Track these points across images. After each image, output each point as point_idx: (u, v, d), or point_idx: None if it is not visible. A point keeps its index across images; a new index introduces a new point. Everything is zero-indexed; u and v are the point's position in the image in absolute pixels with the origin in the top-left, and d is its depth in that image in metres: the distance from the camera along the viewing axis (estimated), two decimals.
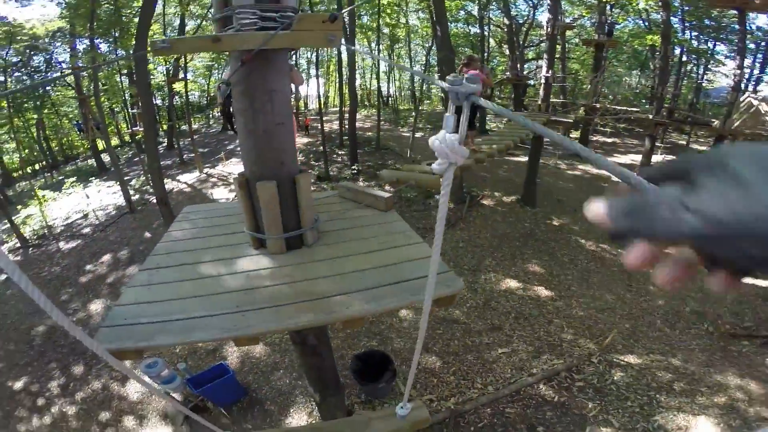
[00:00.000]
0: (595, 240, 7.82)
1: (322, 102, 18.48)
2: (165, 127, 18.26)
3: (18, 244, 9.41)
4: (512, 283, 6.47)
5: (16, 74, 16.68)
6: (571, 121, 9.84)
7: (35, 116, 19.22)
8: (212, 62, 21.79)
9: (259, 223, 1.97)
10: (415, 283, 1.77)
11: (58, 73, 17.68)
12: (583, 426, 3.99)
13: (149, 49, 1.60)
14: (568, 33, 17.18)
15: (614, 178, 0.38)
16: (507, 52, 17.82)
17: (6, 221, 9.55)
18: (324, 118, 13.03)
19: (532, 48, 21.20)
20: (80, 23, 12.58)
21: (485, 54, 18.75)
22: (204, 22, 17.82)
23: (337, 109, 17.83)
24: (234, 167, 13.14)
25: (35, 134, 20.74)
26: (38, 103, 18.63)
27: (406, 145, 15.31)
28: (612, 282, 6.45)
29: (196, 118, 24.49)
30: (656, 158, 11.99)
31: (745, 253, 0.23)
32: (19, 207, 12.12)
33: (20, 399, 5.04)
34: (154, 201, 7.78)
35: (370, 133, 17.00)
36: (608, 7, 14.02)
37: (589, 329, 5.35)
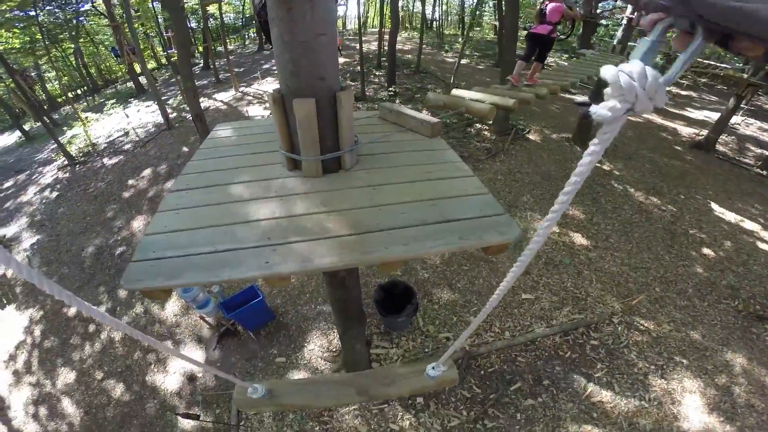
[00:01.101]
0: (644, 191, 7.23)
1: (362, 22, 17.18)
2: (201, 48, 17.97)
3: (66, 162, 9.85)
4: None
5: (48, 7, 16.35)
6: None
7: (72, 45, 19.25)
8: None
9: (295, 143, 1.77)
10: (463, 225, 1.55)
11: (88, 5, 17.24)
12: (585, 387, 3.97)
13: None
14: None
15: None
16: None
17: (53, 142, 9.90)
18: (362, 38, 12.20)
19: None
20: None
21: None
22: None
23: (377, 30, 16.56)
24: (269, 86, 12.90)
25: (74, 62, 20.98)
26: (73, 33, 18.52)
27: (449, 71, 14.24)
28: (653, 240, 6.00)
29: (231, 39, 23.82)
30: (737, 119, 10.55)
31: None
32: (64, 129, 12.60)
33: (74, 326, 5.36)
34: (191, 118, 7.75)
35: (409, 56, 15.92)
36: None
37: (618, 287, 5.10)
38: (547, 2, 4.13)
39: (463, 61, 13.25)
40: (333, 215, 1.61)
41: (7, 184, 10.09)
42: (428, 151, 2.11)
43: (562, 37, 4.92)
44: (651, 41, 0.48)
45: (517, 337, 4.42)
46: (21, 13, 14.83)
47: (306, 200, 1.71)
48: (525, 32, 4.86)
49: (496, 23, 19.42)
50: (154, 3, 17.34)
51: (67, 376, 4.73)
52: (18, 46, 16.05)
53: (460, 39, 22.55)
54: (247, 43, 24.59)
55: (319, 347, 4.53)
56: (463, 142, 8.67)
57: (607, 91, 0.47)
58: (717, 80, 14.64)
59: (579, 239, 5.93)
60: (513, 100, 2.98)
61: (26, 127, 14.66)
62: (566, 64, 6.19)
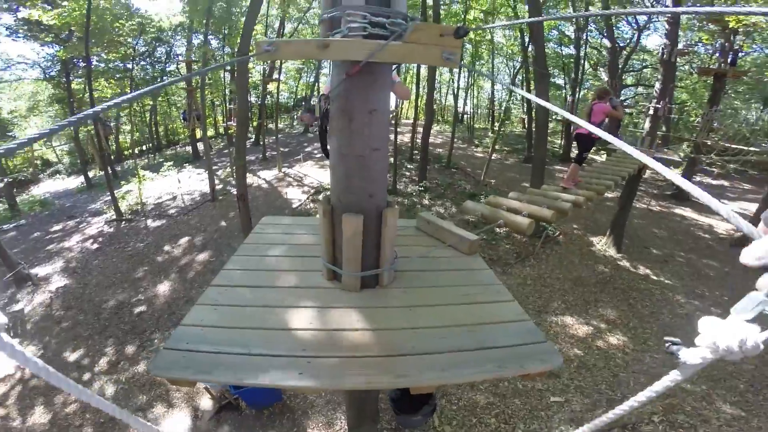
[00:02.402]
0: (684, 294, 6.85)
1: (397, 114, 18.67)
2: (255, 123, 19.56)
3: (114, 217, 10.51)
4: (580, 331, 5.84)
5: (142, 63, 18.98)
6: (680, 159, 8.68)
7: (151, 102, 21.67)
8: (303, 65, 22.87)
9: (337, 256, 1.81)
10: (502, 353, 1.50)
11: (175, 66, 19.87)
12: None
13: (252, 50, 1.52)
14: (678, 60, 15.41)
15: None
16: (603, 76, 16.44)
17: (109, 195, 10.69)
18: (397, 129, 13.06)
19: (632, 73, 19.44)
20: (198, 19, 14.00)
21: (580, 76, 17.53)
22: (300, 25, 18.84)
23: (410, 122, 17.75)
24: (309, 169, 13.59)
25: (148, 119, 23.46)
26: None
27: (478, 166, 14.77)
28: None
29: (282, 118, 26.04)
30: None
31: None
32: (122, 183, 13.67)
33: (69, 370, 5.31)
34: (235, 193, 8.26)
35: (440, 150, 16.70)
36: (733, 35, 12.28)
37: None
38: (595, 102, 4.28)
39: (493, 156, 13.76)
40: (368, 333, 1.59)
41: (55, 228, 10.80)
42: (466, 271, 2.09)
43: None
44: (764, 300, 0.47)
45: None
46: (121, 65, 17.11)
47: (342, 315, 1.70)
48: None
49: (525, 116, 20.51)
50: (225, 73, 19.57)
51: (41, 417, 4.58)
52: (109, 96, 18.07)
53: (490, 133, 23.51)
54: (295, 123, 26.80)
55: None
56: (492, 244, 8.61)
57: (701, 340, 0.46)
58: (748, 166, 14.16)
59: (614, 342, 5.60)
60: (551, 212, 2.97)
61: (91, 174, 16.01)
62: (599, 161, 6.29)
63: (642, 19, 15.76)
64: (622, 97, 17.75)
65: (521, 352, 1.51)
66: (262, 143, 16.51)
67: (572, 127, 4.81)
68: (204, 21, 13.18)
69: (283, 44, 1.48)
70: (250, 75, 19.45)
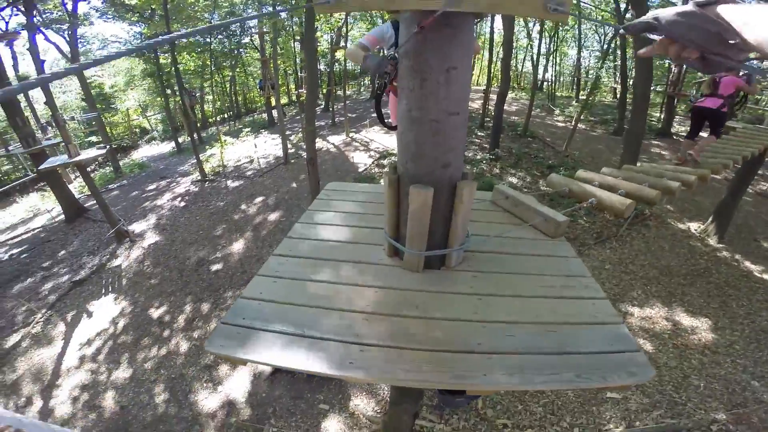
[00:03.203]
0: None
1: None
2: (324, 90, 19.96)
3: (199, 177, 11.45)
4: (658, 325, 5.21)
5: (219, 36, 20.09)
6: None
7: (230, 73, 23.22)
8: (368, 30, 22.59)
9: (401, 231, 1.64)
10: (584, 360, 1.26)
11: (248, 39, 20.67)
12: None
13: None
14: None
15: None
16: None
17: (195, 158, 11.65)
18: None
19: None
20: None
21: None
22: None
23: (481, 88, 16.60)
24: (375, 134, 13.53)
25: (228, 88, 25.14)
26: (233, 62, 22.30)
27: (559, 136, 13.48)
28: None
29: (350, 84, 26.23)
30: None
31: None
32: (207, 147, 14.82)
33: (152, 328, 5.83)
34: (305, 157, 8.49)
35: (515, 118, 15.49)
36: None
37: (731, 395, 4.13)
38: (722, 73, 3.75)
39: (578, 127, 12.40)
40: (428, 323, 1.42)
41: (150, 187, 12.12)
42: (550, 258, 1.80)
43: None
44: None
45: None
46: (201, 40, 18.39)
47: (401, 299, 1.54)
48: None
49: (616, 86, 18.03)
50: (295, 42, 19.84)
51: (124, 371, 5.12)
52: (192, 69, 19.85)
53: (574, 102, 21.42)
54: (362, 89, 26.75)
55: (365, 404, 4.32)
56: (570, 221, 7.82)
57: None
58: None
59: (694, 342, 4.95)
60: (655, 192, 2.46)
61: (180, 139, 17.66)
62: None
63: None
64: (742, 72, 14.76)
65: (606, 360, 1.27)
66: (331, 109, 16.81)
67: (692, 99, 4.13)
68: None
69: None
70: (318, 44, 19.58)
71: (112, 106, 22.86)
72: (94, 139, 19.11)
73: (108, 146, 9.61)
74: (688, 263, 6.61)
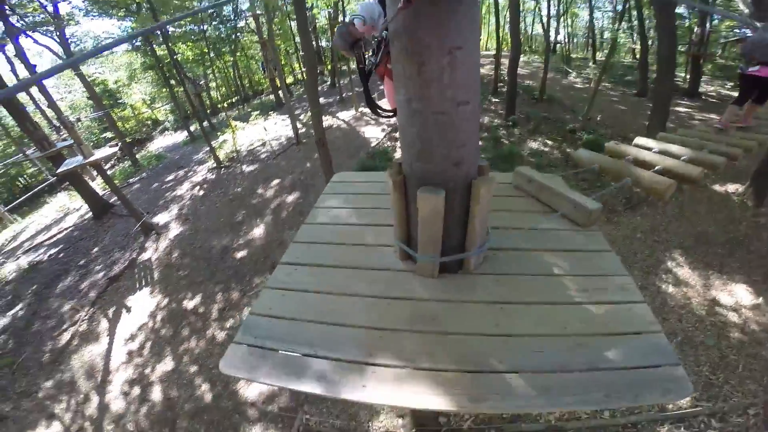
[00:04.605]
0: None
1: None
2: (329, 67, 19.46)
3: (214, 165, 11.49)
4: (694, 300, 4.88)
5: (213, 23, 19.62)
6: None
7: (231, 59, 22.81)
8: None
9: (413, 234, 1.48)
10: (615, 376, 1.13)
11: (243, 22, 20.08)
12: None
13: None
14: None
15: None
16: (740, 5, 12.42)
17: (209, 146, 11.65)
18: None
19: None
20: None
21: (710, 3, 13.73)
22: None
23: (491, 53, 15.80)
24: (384, 105, 13.12)
25: (232, 73, 24.84)
26: (232, 47, 21.87)
27: (578, 98, 12.77)
28: None
29: (353, 60, 25.34)
30: None
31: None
32: (218, 134, 14.77)
33: (189, 319, 5.97)
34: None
35: (529, 82, 14.70)
36: None
37: None
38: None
39: (602, 87, 11.69)
40: (446, 339, 1.29)
41: (169, 177, 12.27)
42: (581, 253, 1.61)
43: None
44: None
45: (617, 417, 3.61)
46: (195, 28, 18.05)
47: (417, 311, 1.41)
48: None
49: (635, 46, 16.94)
50: (292, 22, 19.26)
51: (167, 364, 5.28)
52: (191, 57, 19.61)
53: (591, 63, 20.25)
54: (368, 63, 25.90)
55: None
56: (596, 185, 7.43)
57: None
58: None
59: (734, 319, 4.62)
60: (699, 169, 2.16)
61: (192, 128, 17.62)
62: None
63: None
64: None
65: (640, 377, 1.14)
66: (337, 85, 16.39)
67: (741, 67, 3.81)
68: None
69: None
70: (317, 20, 18.73)
71: (120, 101, 22.95)
72: (109, 135, 19.32)
73: (119, 144, 9.69)
74: (727, 230, 6.16)
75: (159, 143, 20.03)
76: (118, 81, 22.86)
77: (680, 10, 16.54)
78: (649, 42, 14.30)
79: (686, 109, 12.03)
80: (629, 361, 1.18)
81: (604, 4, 21.96)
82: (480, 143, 9.72)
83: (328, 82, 19.17)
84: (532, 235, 1.69)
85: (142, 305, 6.53)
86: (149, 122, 24.99)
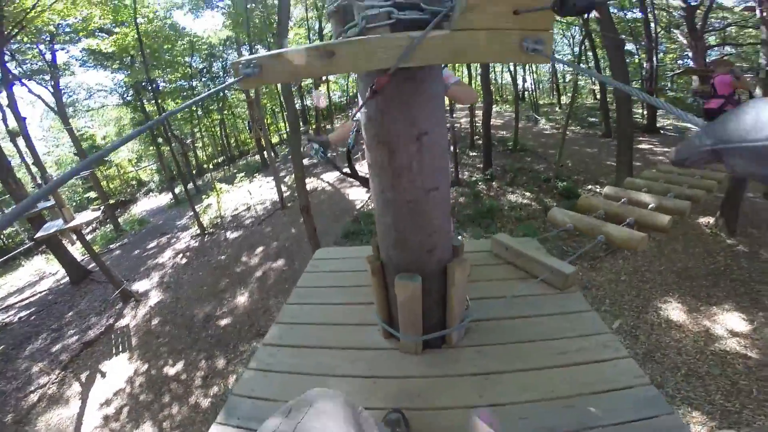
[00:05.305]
0: None
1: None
2: (313, 126, 20.01)
3: (198, 231, 11.39)
4: (689, 334, 4.92)
5: (203, 79, 20.32)
6: None
7: (218, 117, 23.19)
8: None
9: (394, 315, 1.51)
10: None
11: (233, 78, 20.98)
12: None
13: (234, 77, 1.04)
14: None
15: None
16: (680, 38, 14.03)
17: (193, 211, 11.57)
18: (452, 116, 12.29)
19: (713, 33, 16.33)
20: (240, 31, 14.51)
21: (654, 40, 15.19)
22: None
23: (464, 106, 16.75)
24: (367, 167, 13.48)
25: (219, 132, 25.27)
26: (220, 105, 22.52)
27: (549, 145, 13.42)
28: None
29: (337, 118, 26.44)
30: None
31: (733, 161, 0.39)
32: (203, 197, 14.83)
33: (169, 386, 5.72)
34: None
35: (504, 132, 15.50)
36: None
37: None
38: (715, 75, 3.89)
39: (569, 133, 12.40)
40: (431, 415, 1.29)
41: (151, 244, 12.06)
42: (561, 316, 1.66)
43: None
44: None
45: None
46: (185, 84, 18.61)
47: (401, 389, 1.41)
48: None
49: (595, 87, 18.16)
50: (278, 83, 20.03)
51: (145, 430, 4.99)
52: (179, 115, 19.27)
53: (557, 108, 21.55)
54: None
55: None
56: (575, 234, 7.62)
57: None
58: None
59: (733, 346, 4.65)
60: (667, 218, 2.27)
61: (177, 190, 17.56)
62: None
63: None
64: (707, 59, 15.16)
65: (635, 430, 1.15)
66: None
67: (700, 101, 4.28)
68: (247, 33, 13.63)
69: (269, 61, 0.98)
70: (302, 80, 19.63)
71: (106, 159, 22.82)
72: (93, 194, 18.93)
73: (102, 207, 9.61)
74: (706, 263, 6.36)
75: (143, 205, 19.89)
76: (107, 136, 22.70)
77: (629, 46, 18.27)
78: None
79: (648, 146, 12.74)
80: (621, 416, 1.18)
81: (562, 47, 23.62)
82: (461, 201, 9.98)
83: None
84: (512, 303, 1.73)
85: (119, 371, 6.26)
86: (134, 182, 24.86)
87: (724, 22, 15.32)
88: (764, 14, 6.87)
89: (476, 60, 0.95)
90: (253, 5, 14.30)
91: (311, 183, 12.73)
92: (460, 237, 2.23)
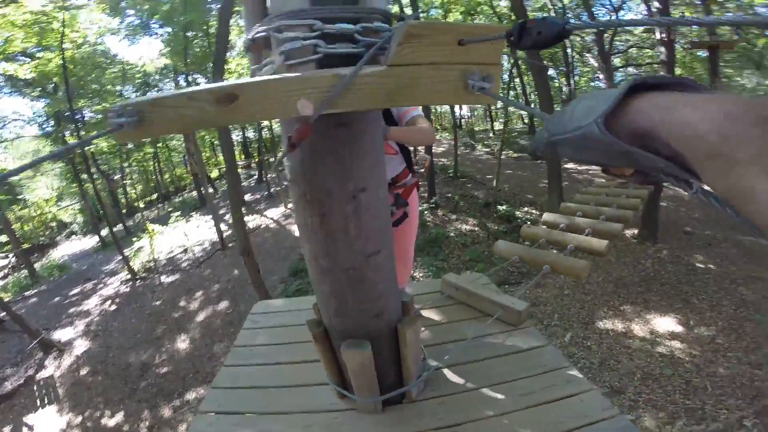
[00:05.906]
0: (743, 280, 6.20)
1: None
2: (256, 159, 19.15)
3: (128, 276, 10.39)
4: (636, 338, 5.30)
5: None
6: None
7: (151, 150, 20.77)
8: None
9: (346, 378, 1.38)
10: None
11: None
12: None
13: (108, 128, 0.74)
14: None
15: None
16: (591, 61, 15.87)
17: (122, 256, 10.58)
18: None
19: (619, 55, 18.78)
20: (178, 60, 14.00)
21: (571, 64, 16.90)
22: None
23: None
24: None
25: (152, 167, 23.22)
26: (151, 138, 20.83)
27: (486, 171, 14.13)
28: None
29: (283, 151, 25.68)
30: None
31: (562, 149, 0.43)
32: (134, 239, 13.54)
33: None
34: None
35: (444, 160, 16.10)
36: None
37: (742, 388, 4.20)
38: None
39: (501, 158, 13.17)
40: None
41: (74, 291, 10.82)
42: (520, 354, 1.64)
43: None
44: None
45: None
46: None
47: None
48: None
49: (523, 113, 19.62)
50: None
51: None
52: (105, 149, 17.19)
53: (491, 134, 22.70)
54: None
55: None
56: (521, 273, 7.71)
57: None
58: None
59: (677, 346, 5.07)
60: (604, 243, 2.38)
61: (104, 232, 15.79)
62: None
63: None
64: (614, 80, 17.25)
65: None
66: (265, 179, 16.16)
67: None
68: (185, 61, 13.20)
69: (151, 108, 0.71)
70: None
71: (20, 197, 19.64)
72: (3, 238, 16.20)
73: (12, 254, 8.56)
74: (637, 270, 6.98)
75: (64, 249, 17.86)
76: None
77: (550, 72, 20.17)
78: (534, 106, 16.75)
79: (573, 165, 13.93)
80: None
81: None
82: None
83: (256, 176, 18.70)
84: (469, 346, 1.68)
85: (49, 423, 5.77)
86: (54, 224, 22.08)
87: (627, 43, 17.47)
88: (663, 36, 7.93)
89: (416, 102, 0.79)
90: (194, 32, 13.85)
91: (254, 220, 12.14)
92: (407, 290, 2.17)
